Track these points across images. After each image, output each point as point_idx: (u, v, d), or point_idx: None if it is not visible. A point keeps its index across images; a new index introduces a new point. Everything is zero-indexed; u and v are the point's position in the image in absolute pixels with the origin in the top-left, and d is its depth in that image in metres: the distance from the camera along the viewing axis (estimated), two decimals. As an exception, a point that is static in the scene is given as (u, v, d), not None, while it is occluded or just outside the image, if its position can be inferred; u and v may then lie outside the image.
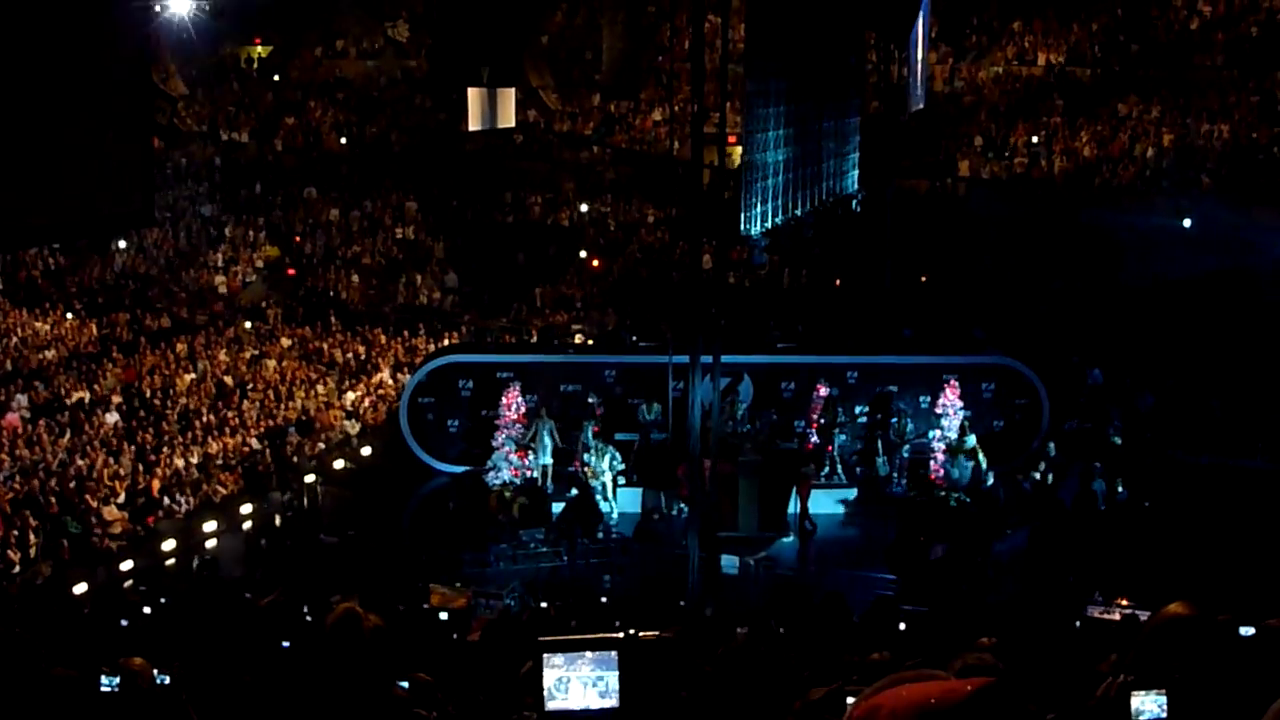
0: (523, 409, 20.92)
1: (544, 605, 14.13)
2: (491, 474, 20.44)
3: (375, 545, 18.26)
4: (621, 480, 20.13)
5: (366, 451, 22.71)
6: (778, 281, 30.75)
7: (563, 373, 22.10)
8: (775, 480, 19.56)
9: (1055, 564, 16.83)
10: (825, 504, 20.03)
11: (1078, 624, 11.21)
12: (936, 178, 31.93)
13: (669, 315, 21.78)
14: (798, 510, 19.54)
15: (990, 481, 19.42)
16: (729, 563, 17.31)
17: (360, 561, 17.24)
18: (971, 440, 19.84)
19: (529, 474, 20.48)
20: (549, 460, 20.63)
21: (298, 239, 33.25)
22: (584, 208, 33.83)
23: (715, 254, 21.84)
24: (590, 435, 20.31)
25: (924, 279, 29.48)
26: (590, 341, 27.51)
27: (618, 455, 19.83)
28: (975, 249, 28.99)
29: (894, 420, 20.81)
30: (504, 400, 20.90)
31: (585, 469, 19.73)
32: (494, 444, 20.65)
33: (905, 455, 20.60)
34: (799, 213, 21.08)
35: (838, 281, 29.96)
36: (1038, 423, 21.57)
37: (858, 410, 21.42)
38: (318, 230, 33.55)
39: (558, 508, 19.44)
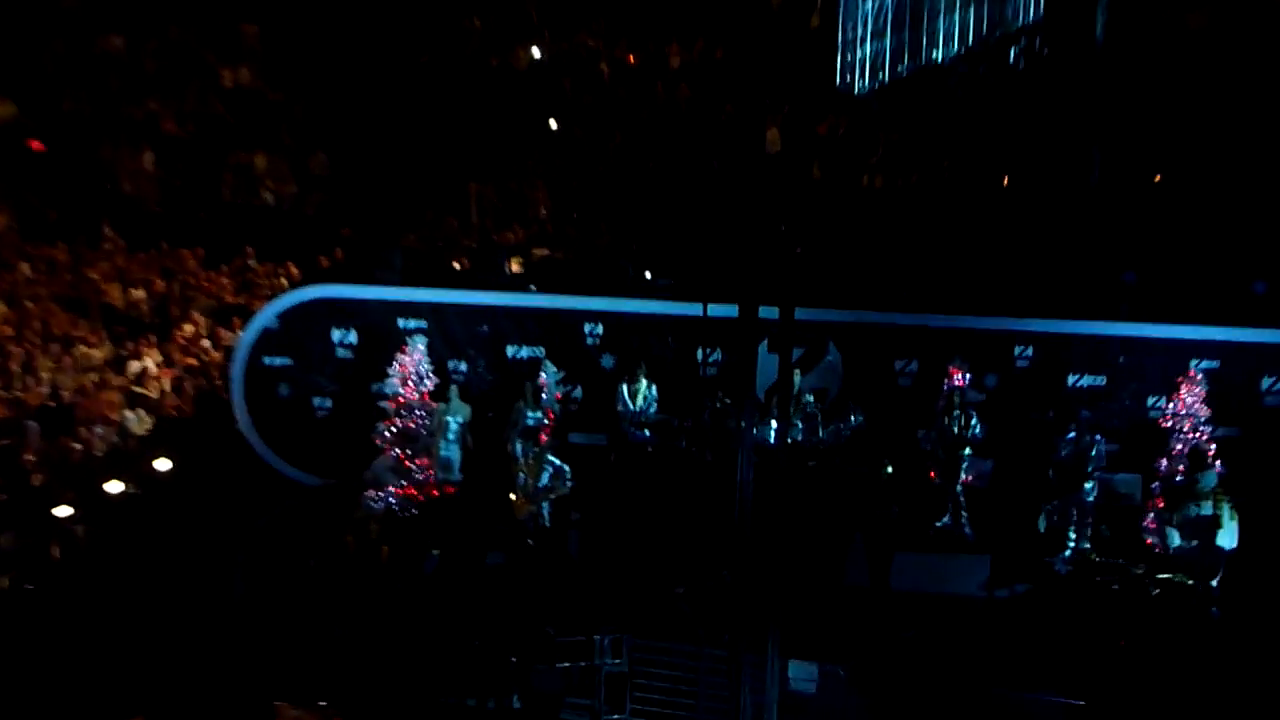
0: (427, 384, 20.52)
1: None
2: (371, 493, 20.18)
3: (180, 632, 17.76)
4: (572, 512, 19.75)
5: (163, 465, 21.81)
6: (897, 174, 29.28)
7: (513, 325, 21.90)
8: (815, 521, 19.03)
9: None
10: (939, 574, 19.23)
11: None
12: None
13: (702, 235, 21.49)
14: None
15: (1229, 548, 18.74)
16: (802, 674, 17.19)
17: (154, 661, 17.22)
18: (1212, 479, 18.80)
19: (431, 495, 20.28)
20: (456, 475, 20.44)
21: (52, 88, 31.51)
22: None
23: (788, 127, 20.85)
24: (521, 434, 20.07)
25: (1158, 179, 28.23)
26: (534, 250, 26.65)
27: (565, 473, 19.52)
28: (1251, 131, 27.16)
29: (1071, 435, 19.59)
30: (395, 367, 20.45)
31: (513, 494, 19.65)
32: (378, 440, 20.24)
33: (1090, 500, 19.56)
34: (939, 57, 19.95)
35: (1005, 179, 29.01)
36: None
37: (1087, 416, 20.08)
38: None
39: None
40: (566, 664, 17.44)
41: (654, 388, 20.72)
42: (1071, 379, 21.21)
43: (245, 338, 22.50)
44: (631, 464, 20.37)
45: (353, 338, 22.13)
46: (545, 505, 19.59)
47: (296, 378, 22.23)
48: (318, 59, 33.56)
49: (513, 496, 19.71)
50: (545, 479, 19.63)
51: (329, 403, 22.12)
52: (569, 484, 19.74)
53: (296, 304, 22.53)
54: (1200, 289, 22.47)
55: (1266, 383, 21.04)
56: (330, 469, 21.44)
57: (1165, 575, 18.80)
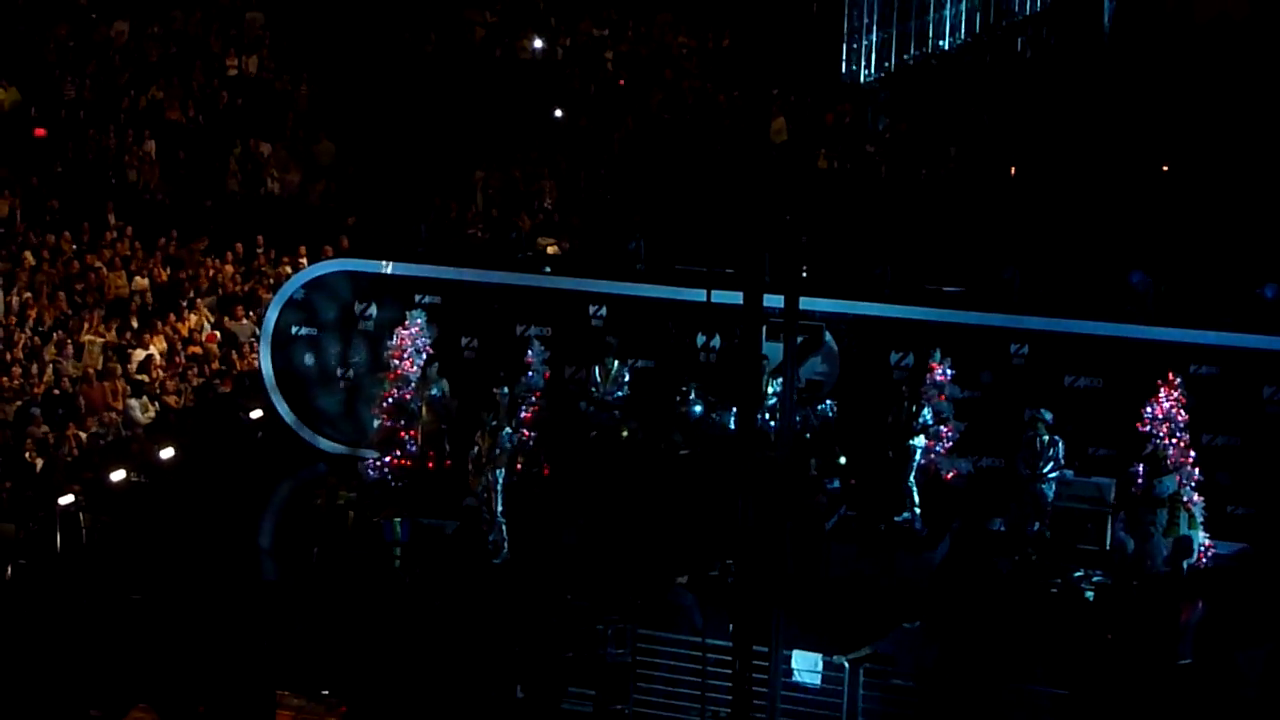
0: (425, 354, 21.08)
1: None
2: (370, 464, 20.82)
3: (184, 617, 17.77)
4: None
5: (167, 454, 21.77)
6: (904, 164, 28.96)
7: (525, 304, 22.17)
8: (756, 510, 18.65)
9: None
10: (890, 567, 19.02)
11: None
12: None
13: (707, 223, 21.75)
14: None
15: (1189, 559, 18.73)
16: (806, 665, 16.88)
17: (156, 649, 17.15)
18: (1170, 485, 18.63)
19: (425, 466, 20.64)
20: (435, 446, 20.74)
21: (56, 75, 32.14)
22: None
23: (795, 116, 20.85)
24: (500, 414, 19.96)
25: (1165, 169, 27.80)
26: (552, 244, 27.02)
27: (511, 435, 19.55)
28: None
29: (1028, 434, 19.35)
30: (394, 340, 21.01)
31: (469, 466, 19.58)
32: (376, 412, 21.03)
33: (1048, 502, 19.44)
34: (946, 45, 19.94)
35: (1013, 169, 28.54)
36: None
37: (1046, 418, 19.66)
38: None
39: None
40: (570, 654, 17.32)
41: (625, 369, 20.83)
42: (1067, 378, 20.83)
43: (274, 303, 23.12)
44: (597, 444, 20.54)
45: (373, 311, 22.50)
46: (499, 475, 19.38)
47: (320, 347, 22.72)
48: (323, 47, 34.07)
49: (470, 467, 19.74)
50: (500, 452, 19.54)
51: (353, 371, 22.49)
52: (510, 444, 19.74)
53: (320, 275, 23.19)
54: (1204, 292, 22.10)
55: (1267, 390, 20.45)
56: (350, 438, 22.06)
57: (1101, 579, 18.92)
